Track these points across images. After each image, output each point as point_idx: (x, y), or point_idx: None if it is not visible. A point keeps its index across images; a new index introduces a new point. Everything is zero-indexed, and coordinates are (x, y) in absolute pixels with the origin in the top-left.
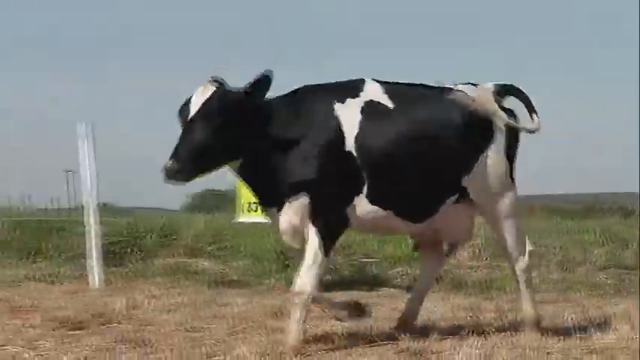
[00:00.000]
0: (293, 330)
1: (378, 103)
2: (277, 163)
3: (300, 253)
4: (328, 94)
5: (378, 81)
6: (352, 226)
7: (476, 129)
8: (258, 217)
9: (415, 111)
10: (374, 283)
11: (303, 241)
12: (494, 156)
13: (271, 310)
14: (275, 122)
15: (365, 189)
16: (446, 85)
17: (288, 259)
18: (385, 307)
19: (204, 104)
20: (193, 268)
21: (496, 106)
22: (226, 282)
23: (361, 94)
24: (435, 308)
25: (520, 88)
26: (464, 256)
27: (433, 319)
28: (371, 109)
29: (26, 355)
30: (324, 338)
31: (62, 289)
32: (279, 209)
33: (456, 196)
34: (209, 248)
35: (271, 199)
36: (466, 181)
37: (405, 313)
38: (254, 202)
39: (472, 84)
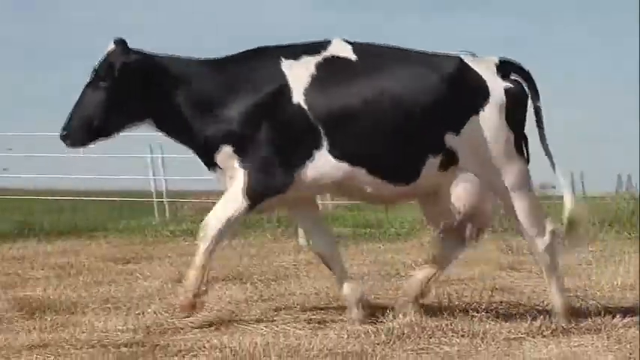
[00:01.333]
0: (190, 277)
1: (338, 58)
2: (205, 121)
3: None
4: (278, 52)
5: (348, 41)
6: (308, 185)
7: (464, 87)
8: None
9: (385, 66)
10: None
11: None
12: (490, 120)
13: None
14: (203, 81)
15: (325, 143)
16: (440, 52)
17: None
18: None
19: (99, 66)
20: None
21: None
22: None
23: (322, 51)
24: None
25: (523, 66)
26: None
27: None
28: (330, 65)
29: None
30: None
31: None
32: (218, 168)
33: (439, 157)
34: None
35: (206, 158)
36: (452, 142)
37: (407, 289)
38: None
39: (471, 53)
